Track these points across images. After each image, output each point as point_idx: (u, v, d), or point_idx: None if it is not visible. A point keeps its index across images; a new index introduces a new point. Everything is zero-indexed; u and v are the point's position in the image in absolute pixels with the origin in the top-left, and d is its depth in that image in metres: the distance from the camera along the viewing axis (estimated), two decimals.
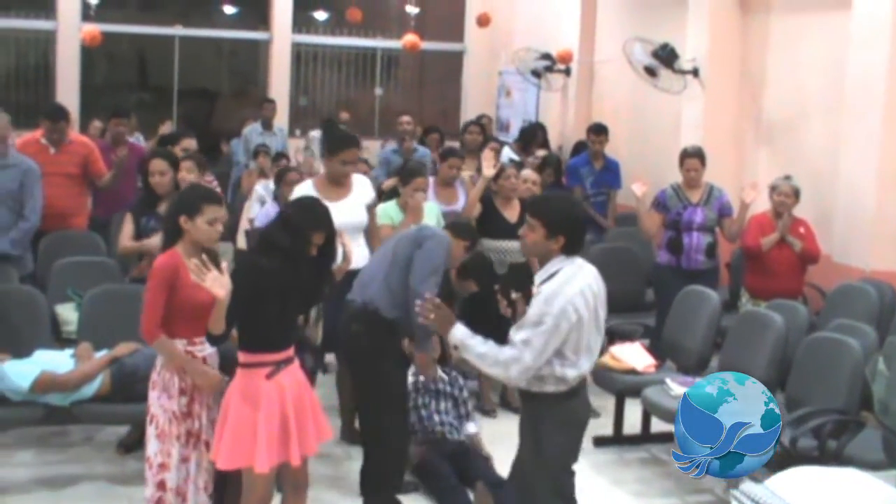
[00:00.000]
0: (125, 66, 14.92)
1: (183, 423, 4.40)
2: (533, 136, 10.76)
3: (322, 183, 5.86)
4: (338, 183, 5.87)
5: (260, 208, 7.77)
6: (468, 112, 13.71)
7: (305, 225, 4.32)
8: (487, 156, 6.93)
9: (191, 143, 7.30)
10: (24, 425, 5.50)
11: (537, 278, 4.08)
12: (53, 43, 13.04)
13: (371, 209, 6.15)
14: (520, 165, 8.07)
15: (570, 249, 4.06)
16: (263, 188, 8.39)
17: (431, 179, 7.10)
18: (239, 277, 4.19)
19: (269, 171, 9.06)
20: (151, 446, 4.42)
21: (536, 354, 3.92)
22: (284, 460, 4.29)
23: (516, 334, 3.97)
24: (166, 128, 9.79)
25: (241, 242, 7.83)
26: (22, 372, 5.26)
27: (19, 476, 5.67)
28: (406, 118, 10.09)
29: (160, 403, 4.39)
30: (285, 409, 4.25)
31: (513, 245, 6.76)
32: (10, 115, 7.09)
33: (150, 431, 4.43)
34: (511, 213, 6.92)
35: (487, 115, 12.39)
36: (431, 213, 6.52)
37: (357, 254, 5.48)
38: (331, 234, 4.43)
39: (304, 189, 5.75)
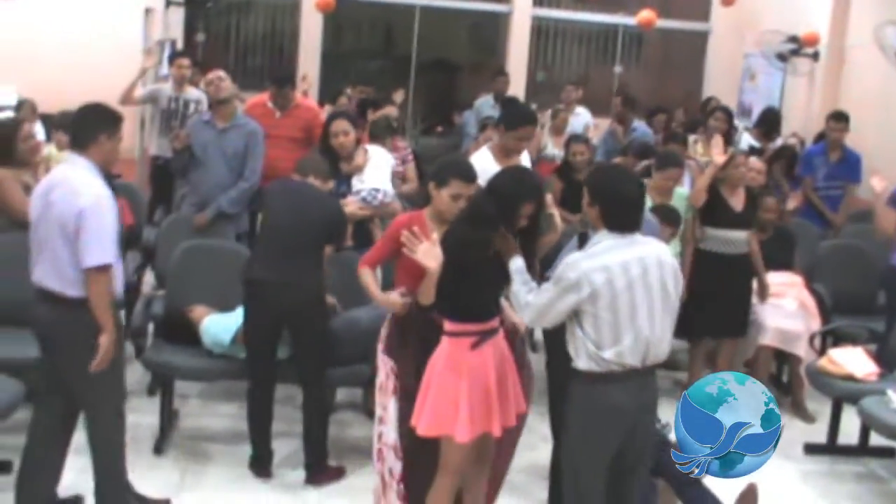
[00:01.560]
0: (369, 34, 15.29)
1: (399, 380, 4.46)
2: (773, 122, 10.35)
3: (498, 152, 5.81)
4: (510, 156, 5.82)
5: None
6: (709, 95, 13.31)
7: (515, 195, 4.27)
8: (717, 142, 6.72)
9: (391, 111, 7.45)
10: (224, 378, 5.65)
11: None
12: (298, 9, 13.53)
13: None
14: (760, 152, 7.78)
15: (609, 223, 3.88)
16: None
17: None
18: (446, 247, 4.20)
19: None
20: (377, 397, 4.57)
21: (542, 307, 3.91)
22: (485, 431, 4.23)
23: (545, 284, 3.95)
24: (398, 96, 9.96)
25: None
26: (227, 325, 5.42)
27: (224, 426, 5.89)
28: (617, 100, 9.97)
29: (381, 357, 4.52)
30: (488, 380, 4.19)
31: (738, 235, 6.59)
32: (255, 79, 7.39)
33: (376, 383, 4.58)
34: (737, 201, 6.67)
35: (716, 97, 11.91)
36: (679, 200, 6.51)
37: None
38: (541, 204, 4.40)
39: (481, 156, 5.72)
